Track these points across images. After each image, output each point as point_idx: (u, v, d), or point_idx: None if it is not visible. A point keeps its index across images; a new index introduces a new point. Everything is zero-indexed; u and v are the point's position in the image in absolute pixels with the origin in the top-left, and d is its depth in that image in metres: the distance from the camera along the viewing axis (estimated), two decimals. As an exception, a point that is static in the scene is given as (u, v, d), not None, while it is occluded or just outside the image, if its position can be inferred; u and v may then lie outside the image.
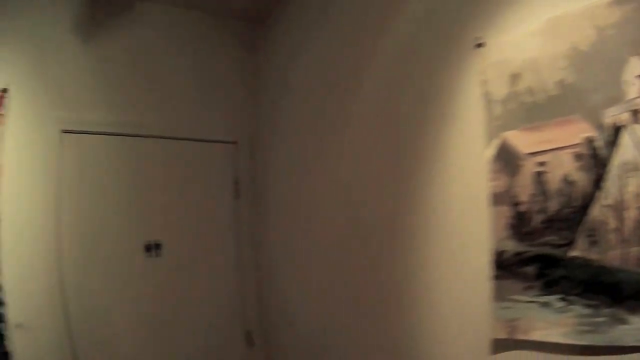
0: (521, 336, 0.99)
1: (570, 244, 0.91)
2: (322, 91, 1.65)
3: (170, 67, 1.85)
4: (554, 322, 0.91)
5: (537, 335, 0.96)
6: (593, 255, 0.86)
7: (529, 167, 0.98)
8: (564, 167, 0.91)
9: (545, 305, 0.94)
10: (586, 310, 0.86)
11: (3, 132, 1.59)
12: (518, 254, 1.02)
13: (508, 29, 1.05)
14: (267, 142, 1.87)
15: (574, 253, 0.91)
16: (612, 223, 0.82)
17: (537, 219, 0.98)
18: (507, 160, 1.03)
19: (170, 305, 1.73)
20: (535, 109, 0.98)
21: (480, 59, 1.10)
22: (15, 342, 1.53)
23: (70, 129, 1.67)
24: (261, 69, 1.98)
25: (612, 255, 0.82)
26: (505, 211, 1.02)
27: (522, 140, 1.00)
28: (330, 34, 1.66)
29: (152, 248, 1.69)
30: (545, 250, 0.97)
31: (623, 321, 0.79)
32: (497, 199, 1.05)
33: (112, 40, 1.82)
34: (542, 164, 0.97)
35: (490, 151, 1.06)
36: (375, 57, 1.50)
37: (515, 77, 1.03)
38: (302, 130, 1.73)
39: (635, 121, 0.81)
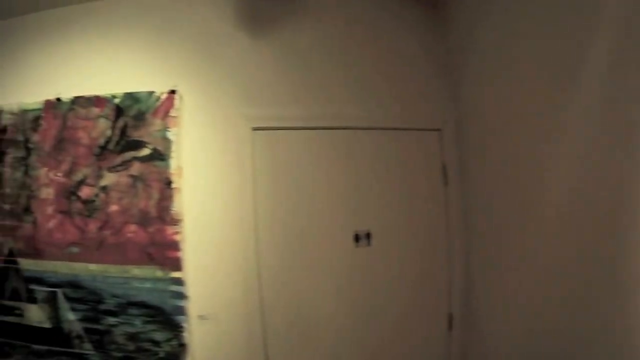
0: None
1: None
2: (532, 74, 1.40)
3: (357, 55, 1.70)
4: None
5: None
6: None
7: None
8: None
9: None
10: None
11: (180, 134, 1.61)
12: None
13: None
14: (472, 128, 1.71)
15: None
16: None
17: None
18: None
19: (376, 293, 1.67)
20: None
21: None
22: (195, 334, 1.62)
23: (260, 126, 1.62)
24: (457, 53, 1.80)
25: None
26: None
27: None
28: (543, 9, 1.34)
29: (362, 238, 1.63)
30: None
31: None
32: None
33: (289, 33, 1.70)
34: None
35: None
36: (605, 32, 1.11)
37: None
38: (510, 115, 1.53)
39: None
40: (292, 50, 1.67)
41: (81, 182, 1.66)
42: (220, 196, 1.63)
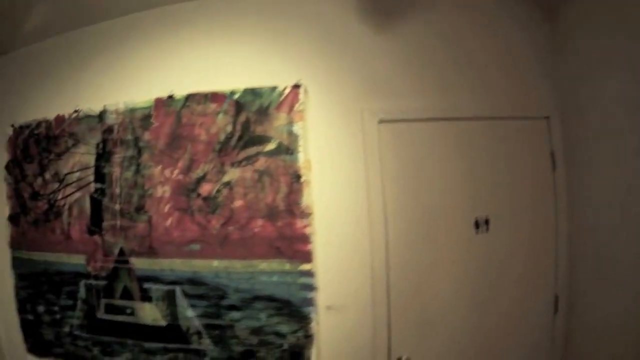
0: None
1: None
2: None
3: (471, 46, 1.65)
4: None
5: None
6: None
7: None
8: None
9: None
10: None
11: (306, 127, 1.54)
12: None
13: None
14: (580, 115, 1.69)
15: None
16: None
17: None
18: None
19: (491, 278, 1.64)
20: None
21: None
22: (322, 324, 1.57)
23: (385, 118, 1.56)
24: (564, 41, 1.75)
25: None
26: None
27: None
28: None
29: (481, 224, 1.62)
30: None
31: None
32: None
33: (408, 26, 1.64)
34: None
35: None
36: None
37: None
38: (619, 103, 1.50)
39: None
40: (412, 43, 1.65)
41: (201, 179, 1.59)
42: (348, 188, 1.60)
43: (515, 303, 1.70)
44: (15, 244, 1.94)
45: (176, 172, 1.62)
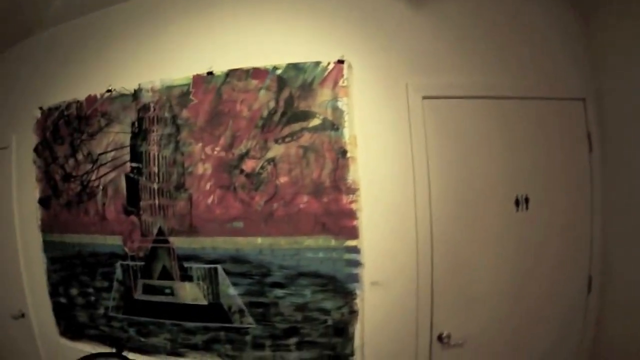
0: None
1: None
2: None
3: (512, 26, 1.59)
4: None
5: None
6: None
7: None
8: None
9: None
10: None
11: (351, 103, 1.47)
12: None
13: None
14: (615, 97, 1.63)
15: None
16: None
17: None
18: None
19: (530, 257, 1.59)
20: None
21: None
22: (367, 300, 1.51)
23: (429, 94, 1.50)
24: (601, 23, 1.68)
25: None
26: None
27: None
28: None
29: (521, 202, 1.56)
30: None
31: None
32: None
33: (449, 3, 1.57)
34: None
35: None
36: None
37: None
38: None
39: None
40: (455, 21, 1.58)
41: (244, 156, 1.52)
42: (393, 164, 1.54)
43: (551, 282, 1.66)
44: (46, 227, 1.87)
45: (218, 149, 1.55)
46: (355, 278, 1.50)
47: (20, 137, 1.98)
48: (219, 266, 1.56)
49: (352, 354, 1.52)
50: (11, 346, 2.15)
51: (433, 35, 1.61)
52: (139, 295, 1.68)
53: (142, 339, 1.72)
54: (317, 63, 1.53)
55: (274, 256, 1.52)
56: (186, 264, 1.59)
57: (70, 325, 1.87)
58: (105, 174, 1.71)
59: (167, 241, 1.61)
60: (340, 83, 1.50)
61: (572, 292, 1.69)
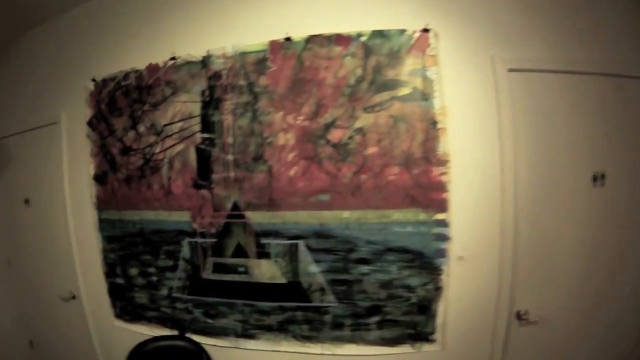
0: None
1: None
2: None
3: (600, 3, 1.42)
4: None
5: None
6: None
7: None
8: None
9: None
10: None
11: (440, 74, 1.30)
12: None
13: None
14: None
15: None
16: None
17: None
18: None
19: (607, 233, 1.43)
20: None
21: None
22: (452, 276, 1.37)
23: (515, 67, 1.32)
24: None
25: None
26: None
27: None
28: None
29: (598, 178, 1.44)
30: None
31: None
32: None
33: None
34: None
35: None
36: None
37: None
38: None
39: None
40: None
41: (330, 125, 1.34)
42: (479, 136, 1.39)
43: (628, 260, 1.50)
44: (102, 204, 1.68)
45: (301, 118, 1.37)
46: (443, 253, 1.35)
47: (70, 111, 1.77)
48: (300, 242, 1.40)
49: (433, 332, 1.38)
50: (60, 329, 1.95)
51: (519, 8, 1.45)
52: (207, 274, 1.51)
53: (209, 321, 1.55)
54: (402, 31, 1.36)
55: (361, 231, 1.36)
56: (264, 240, 1.42)
57: (127, 306, 1.69)
58: (171, 146, 1.52)
59: (242, 216, 1.44)
60: (428, 52, 1.35)
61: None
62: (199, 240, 1.50)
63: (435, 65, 1.34)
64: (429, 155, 1.33)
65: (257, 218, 1.42)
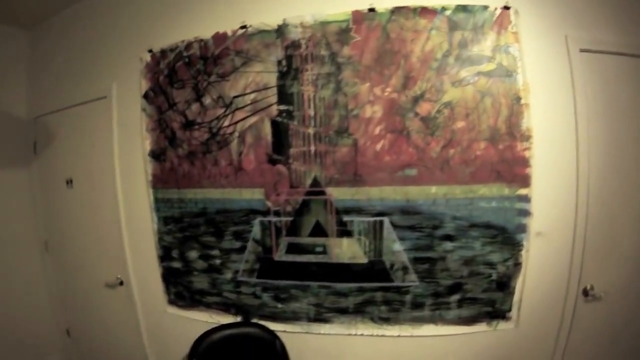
0: None
1: None
2: None
3: None
4: None
5: None
6: None
7: None
8: None
9: None
10: None
11: (522, 50, 1.17)
12: None
13: None
14: None
15: None
16: None
17: None
18: None
19: None
20: None
21: None
22: (531, 252, 1.26)
23: (586, 48, 1.20)
24: None
25: None
26: None
27: None
28: None
29: None
30: None
31: None
32: None
33: None
34: None
35: None
36: None
37: None
38: None
39: None
40: None
41: (419, 98, 1.21)
42: (556, 114, 1.28)
43: None
44: (159, 183, 1.47)
45: (389, 90, 1.23)
46: (524, 228, 1.25)
47: (121, 84, 1.55)
48: (385, 219, 1.26)
49: (509, 309, 1.28)
50: (103, 316, 1.70)
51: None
52: (280, 256, 1.34)
53: (279, 305, 1.38)
54: (485, 7, 1.26)
55: (448, 206, 1.24)
56: (346, 218, 1.27)
57: (182, 292, 1.48)
58: (242, 119, 1.34)
59: (323, 192, 1.28)
60: (510, 29, 1.25)
61: None
62: (273, 219, 1.32)
63: (517, 42, 1.23)
64: (513, 130, 1.22)
65: (339, 194, 1.26)
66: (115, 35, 1.58)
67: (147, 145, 1.46)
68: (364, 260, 1.28)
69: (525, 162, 1.23)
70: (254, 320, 1.40)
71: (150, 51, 1.46)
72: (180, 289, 1.48)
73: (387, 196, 1.25)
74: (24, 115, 1.91)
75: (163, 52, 1.44)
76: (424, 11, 1.28)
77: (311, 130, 1.27)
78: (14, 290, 1.80)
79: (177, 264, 1.47)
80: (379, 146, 1.24)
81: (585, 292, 1.38)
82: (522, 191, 1.24)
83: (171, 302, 1.50)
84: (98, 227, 1.63)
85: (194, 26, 1.42)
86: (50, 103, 1.81)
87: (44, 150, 1.84)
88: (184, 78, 1.41)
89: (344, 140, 1.25)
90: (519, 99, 1.24)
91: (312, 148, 1.27)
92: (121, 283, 1.58)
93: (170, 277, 1.50)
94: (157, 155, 1.45)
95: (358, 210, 1.26)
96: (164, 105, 1.44)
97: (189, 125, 1.40)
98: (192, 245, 1.43)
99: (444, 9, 1.27)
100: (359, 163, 1.24)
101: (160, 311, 1.54)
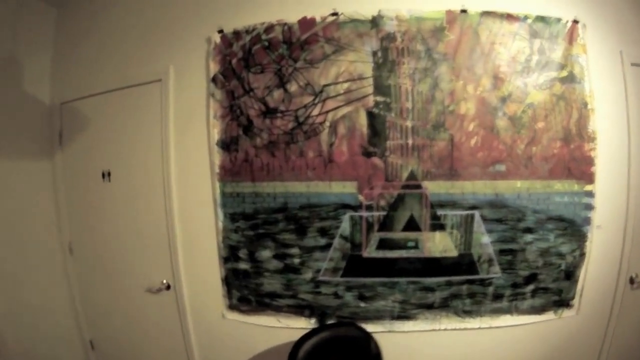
0: None
1: None
2: None
3: None
4: None
5: None
6: None
7: None
8: None
9: None
10: None
11: (588, 60, 1.31)
12: None
13: None
14: None
15: None
16: None
17: None
18: None
19: None
20: None
21: None
22: (593, 243, 1.37)
23: (636, 62, 1.34)
24: None
25: None
26: None
27: None
28: None
29: None
30: None
31: None
32: None
33: None
34: None
35: None
36: None
37: None
38: None
39: None
40: None
41: (507, 98, 1.26)
42: (613, 120, 1.39)
43: None
44: (229, 175, 1.29)
45: (480, 89, 1.27)
46: (588, 221, 1.37)
47: (179, 67, 1.35)
48: (476, 212, 1.28)
49: (573, 297, 1.39)
50: (141, 325, 1.45)
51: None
52: (370, 252, 1.27)
53: (362, 305, 1.30)
54: (558, 19, 1.38)
55: (530, 200, 1.30)
56: (440, 212, 1.27)
57: (248, 296, 1.32)
58: (334, 109, 1.25)
59: (419, 186, 1.26)
60: (579, 41, 1.40)
61: None
62: (365, 213, 1.25)
63: (584, 53, 1.37)
64: (582, 132, 1.35)
65: (434, 188, 1.25)
66: (176, 12, 1.38)
67: (215, 134, 1.29)
68: (454, 253, 1.27)
69: (591, 161, 1.35)
70: (330, 321, 1.30)
71: (220, 32, 1.30)
72: (246, 293, 1.32)
73: (478, 190, 1.26)
74: (47, 100, 1.55)
75: (236, 34, 1.29)
76: (509, 17, 1.34)
77: (409, 124, 1.24)
78: (31, 299, 1.42)
79: (244, 265, 1.31)
80: (472, 142, 1.27)
81: (632, 281, 1.54)
82: (588, 187, 1.35)
83: (232, 307, 1.34)
84: (140, 225, 1.39)
85: (273, 8, 1.31)
86: (82, 87, 1.50)
87: (72, 140, 1.51)
88: (262, 62, 1.27)
89: (441, 135, 1.25)
90: (586, 104, 1.36)
91: (410, 141, 1.24)
92: (168, 287, 1.36)
93: (235, 280, 1.32)
94: (226, 145, 1.29)
95: (452, 204, 1.25)
96: (238, 90, 1.28)
97: (269, 112, 1.26)
98: (265, 244, 1.29)
99: (526, 17, 1.34)
100: (455, 158, 1.25)
101: (215, 318, 1.36)
